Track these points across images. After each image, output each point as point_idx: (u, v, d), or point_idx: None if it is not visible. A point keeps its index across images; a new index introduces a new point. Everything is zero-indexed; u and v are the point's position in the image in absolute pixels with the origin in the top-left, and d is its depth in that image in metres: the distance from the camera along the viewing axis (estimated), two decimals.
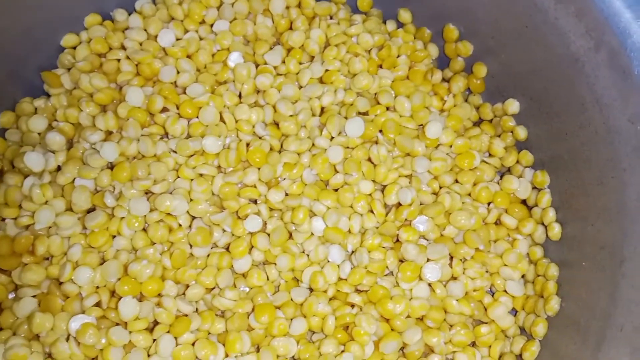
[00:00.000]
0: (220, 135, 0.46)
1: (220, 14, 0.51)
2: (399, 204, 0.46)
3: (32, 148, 0.46)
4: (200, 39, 0.51)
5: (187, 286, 0.44)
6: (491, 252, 0.48)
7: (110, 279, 0.43)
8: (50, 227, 0.44)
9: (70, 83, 0.49)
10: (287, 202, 0.45)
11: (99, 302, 0.43)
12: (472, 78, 0.52)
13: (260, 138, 0.47)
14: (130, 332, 0.42)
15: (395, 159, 0.48)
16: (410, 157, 0.48)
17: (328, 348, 0.43)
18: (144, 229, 0.45)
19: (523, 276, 0.48)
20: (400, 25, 0.54)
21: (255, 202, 0.46)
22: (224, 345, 0.43)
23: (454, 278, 0.47)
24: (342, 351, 0.43)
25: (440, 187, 0.48)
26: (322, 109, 0.49)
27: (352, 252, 0.45)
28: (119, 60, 0.49)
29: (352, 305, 0.45)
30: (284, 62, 0.50)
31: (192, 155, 0.46)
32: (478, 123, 0.52)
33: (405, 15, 0.54)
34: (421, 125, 0.49)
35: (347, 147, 0.47)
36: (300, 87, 0.49)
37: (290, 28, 0.52)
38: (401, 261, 0.45)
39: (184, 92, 0.48)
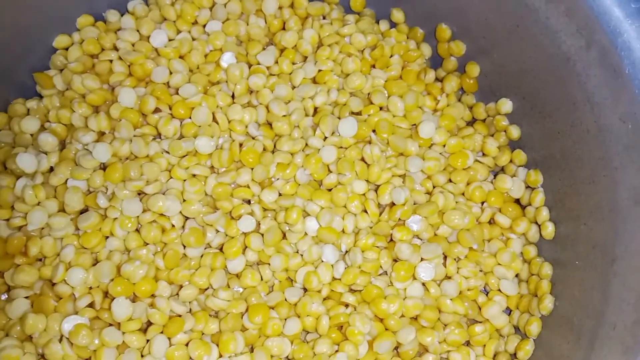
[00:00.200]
0: (213, 135, 0.46)
1: (213, 14, 0.51)
2: (393, 204, 0.46)
3: (24, 149, 0.46)
4: (193, 39, 0.50)
5: (181, 287, 0.44)
6: (485, 252, 0.48)
7: (103, 279, 0.43)
8: (42, 228, 0.44)
9: (62, 84, 0.49)
10: (280, 202, 0.45)
11: (92, 303, 0.43)
12: (465, 78, 0.52)
13: (253, 138, 0.47)
14: (123, 333, 0.42)
15: (389, 158, 0.48)
16: (404, 156, 0.48)
17: (322, 348, 0.43)
18: (137, 230, 0.44)
19: (517, 275, 0.48)
20: (393, 25, 0.54)
21: (248, 202, 0.46)
22: (217, 345, 0.42)
23: (448, 277, 0.47)
24: (336, 351, 0.43)
25: (434, 187, 0.48)
26: (315, 109, 0.49)
27: (346, 251, 0.45)
28: (111, 61, 0.49)
29: (346, 305, 0.44)
30: (276, 62, 0.50)
31: (184, 156, 0.46)
32: (471, 122, 0.52)
33: (398, 15, 0.54)
34: (414, 125, 0.49)
35: (341, 147, 0.47)
36: (293, 87, 0.49)
37: (283, 28, 0.52)
38: (395, 261, 0.45)
39: (177, 93, 0.48)
